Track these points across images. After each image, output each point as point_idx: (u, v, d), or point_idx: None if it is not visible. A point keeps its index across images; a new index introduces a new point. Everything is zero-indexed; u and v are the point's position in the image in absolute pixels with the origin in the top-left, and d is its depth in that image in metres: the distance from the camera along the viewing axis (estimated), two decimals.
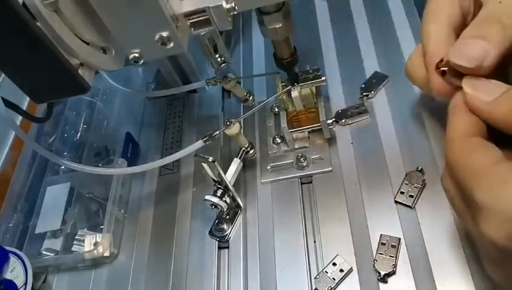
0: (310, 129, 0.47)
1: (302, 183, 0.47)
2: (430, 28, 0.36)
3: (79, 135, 0.60)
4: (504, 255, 0.28)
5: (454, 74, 0.33)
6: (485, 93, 0.31)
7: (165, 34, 0.33)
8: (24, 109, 0.46)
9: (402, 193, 0.42)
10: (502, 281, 0.31)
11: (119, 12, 0.32)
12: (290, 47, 0.42)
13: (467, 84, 0.32)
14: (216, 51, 0.45)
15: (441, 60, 0.34)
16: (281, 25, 0.38)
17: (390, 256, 0.39)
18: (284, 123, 0.46)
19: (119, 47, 0.38)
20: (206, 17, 0.33)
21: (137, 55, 0.34)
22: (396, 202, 0.42)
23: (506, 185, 0.27)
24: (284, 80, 0.46)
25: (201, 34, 0.36)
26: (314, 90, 0.46)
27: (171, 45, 0.33)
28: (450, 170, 0.31)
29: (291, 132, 0.47)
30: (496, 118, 0.30)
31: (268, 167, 0.48)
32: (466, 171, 0.29)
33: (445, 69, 0.34)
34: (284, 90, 0.45)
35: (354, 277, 0.40)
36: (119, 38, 0.34)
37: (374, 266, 0.39)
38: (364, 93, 0.50)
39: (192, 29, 0.35)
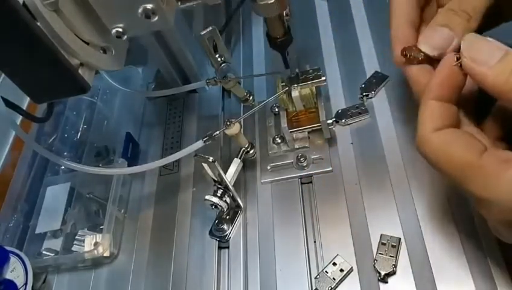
0: (310, 129, 0.47)
1: (302, 183, 0.47)
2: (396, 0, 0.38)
3: (79, 135, 0.60)
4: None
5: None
6: (483, 57, 0.29)
7: (149, 6, 0.31)
8: (24, 109, 0.46)
9: None
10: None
11: None
12: (284, 26, 0.41)
13: (466, 46, 0.30)
14: (216, 51, 0.45)
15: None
16: (273, 1, 0.37)
17: (390, 256, 0.39)
18: (284, 123, 0.46)
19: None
20: None
21: (120, 30, 0.33)
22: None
23: (499, 178, 0.27)
24: (284, 80, 0.46)
25: (188, 8, 0.34)
26: (314, 90, 0.46)
27: (156, 18, 0.32)
28: (430, 164, 0.31)
29: (291, 132, 0.47)
30: (494, 86, 0.29)
31: (268, 167, 0.48)
32: (451, 168, 0.29)
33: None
34: (284, 90, 0.45)
35: (354, 276, 0.40)
36: (101, 11, 0.32)
37: (374, 266, 0.39)
38: (364, 93, 0.50)
39: (179, 2, 0.34)
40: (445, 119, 0.31)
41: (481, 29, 0.36)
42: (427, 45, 0.36)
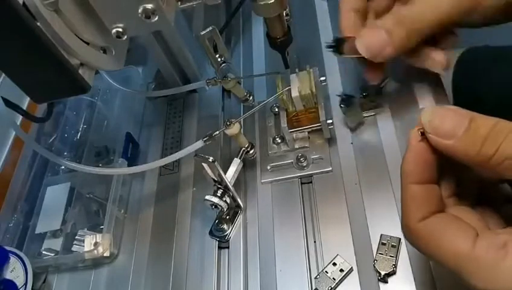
0: (310, 129, 0.47)
1: (302, 183, 0.47)
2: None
3: (79, 135, 0.60)
4: None
5: None
6: (447, 134, 0.28)
7: (149, 6, 0.31)
8: (24, 108, 0.46)
9: None
10: None
11: None
12: (284, 25, 0.41)
13: (428, 127, 0.29)
14: (216, 51, 0.45)
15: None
16: (273, 1, 0.37)
17: (390, 256, 0.39)
18: (284, 123, 0.46)
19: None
20: None
21: (120, 30, 0.33)
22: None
23: (498, 267, 0.25)
24: (284, 80, 0.46)
25: (188, 8, 0.34)
26: (314, 90, 0.46)
27: (156, 18, 0.32)
28: (421, 252, 0.29)
29: (291, 132, 0.47)
30: (467, 158, 0.27)
31: (268, 167, 0.48)
32: (444, 260, 0.27)
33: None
34: (284, 90, 0.45)
35: (354, 276, 0.40)
36: (101, 11, 0.32)
37: (374, 266, 0.39)
38: (364, 93, 0.50)
39: (179, 3, 0.33)
40: (430, 204, 0.29)
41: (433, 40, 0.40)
42: (362, 44, 0.39)
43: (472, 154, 0.27)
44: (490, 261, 0.26)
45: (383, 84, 0.49)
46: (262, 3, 0.37)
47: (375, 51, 0.39)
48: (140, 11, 0.31)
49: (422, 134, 0.29)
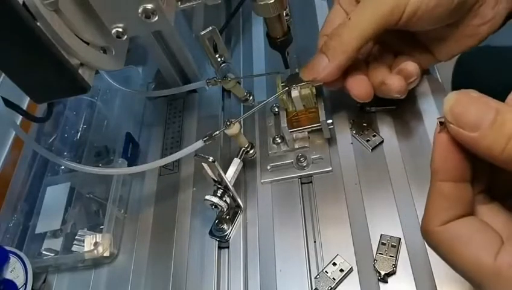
0: (310, 129, 0.47)
1: (302, 183, 0.47)
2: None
3: (79, 135, 0.60)
4: None
5: None
6: (470, 126, 0.25)
7: (149, 6, 0.31)
8: (24, 108, 0.46)
9: None
10: None
11: None
12: (283, 25, 0.41)
13: (449, 111, 0.26)
14: (216, 51, 0.45)
15: None
16: (273, 1, 0.37)
17: (390, 256, 0.39)
18: (284, 123, 0.46)
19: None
20: None
21: (120, 30, 0.33)
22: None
23: None
24: (284, 80, 0.46)
25: (188, 8, 0.34)
26: (314, 90, 0.46)
27: (156, 18, 0.32)
28: (440, 257, 0.28)
29: (291, 131, 0.47)
30: (491, 155, 0.25)
31: (268, 167, 0.48)
32: (464, 268, 0.26)
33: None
34: (284, 90, 0.45)
35: (354, 276, 0.40)
36: (101, 11, 0.32)
37: (374, 266, 0.39)
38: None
39: (179, 3, 0.34)
40: (458, 206, 0.27)
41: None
42: (304, 73, 0.43)
43: (496, 152, 0.24)
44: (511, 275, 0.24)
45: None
46: (262, 3, 0.37)
47: (316, 74, 0.42)
48: (140, 11, 0.32)
49: (442, 124, 0.26)
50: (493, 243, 0.25)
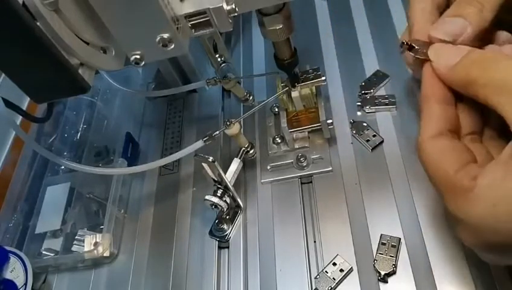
0: (310, 129, 0.47)
1: (302, 183, 0.47)
2: (416, 7, 0.38)
3: (79, 135, 0.60)
4: (484, 250, 0.30)
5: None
6: (446, 59, 0.31)
7: (166, 35, 0.33)
8: (24, 109, 0.46)
9: None
10: (491, 261, 0.34)
11: (119, 14, 0.32)
12: (291, 48, 0.42)
13: (432, 52, 0.32)
14: (216, 51, 0.45)
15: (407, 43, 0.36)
16: (281, 26, 0.38)
17: (390, 256, 0.39)
18: (284, 123, 0.46)
19: (119, 47, 0.38)
20: (206, 18, 0.33)
21: (138, 56, 0.34)
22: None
23: (467, 196, 0.27)
24: (284, 80, 0.46)
25: (202, 35, 0.36)
26: (314, 90, 0.46)
27: (172, 46, 0.33)
28: (425, 171, 0.31)
29: (291, 131, 0.47)
30: (455, 85, 0.30)
31: (268, 167, 0.48)
32: (435, 178, 0.29)
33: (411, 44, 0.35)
34: (284, 90, 0.45)
35: (354, 276, 0.40)
36: (120, 40, 0.34)
37: (374, 266, 0.39)
38: (363, 91, 0.50)
39: (193, 30, 0.35)
40: (444, 123, 0.30)
41: (500, 23, 0.36)
42: (440, 31, 0.35)
43: (460, 84, 0.30)
44: (461, 188, 0.27)
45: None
46: (270, 28, 0.38)
47: (456, 34, 0.35)
48: (157, 40, 0.33)
49: (404, 44, 0.34)
50: (461, 160, 0.29)
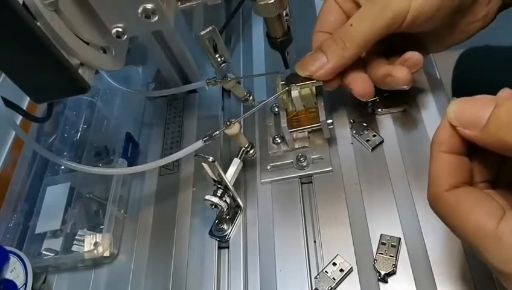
0: (310, 129, 0.47)
1: (302, 183, 0.47)
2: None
3: (79, 135, 0.60)
4: None
5: None
6: (470, 121, 0.28)
7: (149, 6, 0.31)
8: (24, 108, 0.46)
9: None
10: None
11: None
12: (283, 25, 0.41)
13: (451, 114, 0.29)
14: (216, 51, 0.45)
15: None
16: (273, 1, 0.37)
17: (390, 256, 0.39)
18: (284, 123, 0.46)
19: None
20: None
21: (120, 29, 0.33)
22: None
23: None
24: (284, 80, 0.46)
25: (188, 8, 0.34)
26: (314, 90, 0.46)
27: (156, 18, 0.32)
28: (444, 222, 0.30)
29: (291, 131, 0.47)
30: (492, 145, 0.28)
31: (268, 167, 0.48)
32: (466, 233, 0.28)
33: None
34: (284, 90, 0.45)
35: (354, 276, 0.40)
36: (101, 11, 0.32)
37: (374, 266, 0.39)
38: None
39: (179, 3, 0.34)
40: (461, 174, 0.29)
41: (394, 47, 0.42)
42: (300, 68, 0.42)
43: (496, 144, 0.27)
44: (509, 243, 0.26)
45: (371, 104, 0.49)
46: (262, 3, 0.37)
47: (312, 70, 0.41)
48: (140, 11, 0.32)
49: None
50: (495, 211, 0.27)
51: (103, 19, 0.33)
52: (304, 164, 0.47)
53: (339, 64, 0.41)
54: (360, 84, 0.43)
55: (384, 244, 0.40)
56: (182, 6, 0.34)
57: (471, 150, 0.30)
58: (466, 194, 0.28)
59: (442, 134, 0.30)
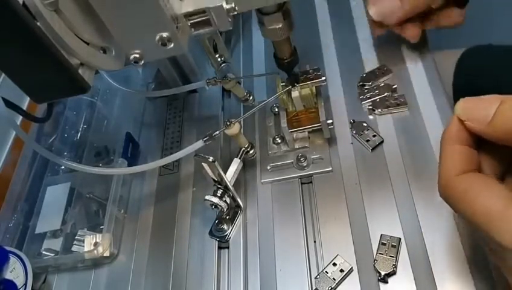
0: (310, 129, 0.47)
1: (302, 183, 0.47)
2: None
3: (79, 135, 0.60)
4: None
5: None
6: (478, 116, 0.30)
7: (165, 34, 0.33)
8: (24, 109, 0.46)
9: None
10: None
11: (119, 13, 0.32)
12: (290, 47, 0.42)
13: (459, 111, 0.31)
14: (216, 51, 0.45)
15: None
16: (281, 26, 0.38)
17: (390, 256, 0.39)
18: (284, 123, 0.46)
19: (119, 47, 0.38)
20: (206, 17, 0.34)
21: (137, 56, 0.34)
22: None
23: None
24: (284, 80, 0.46)
25: (202, 34, 0.36)
26: (314, 90, 0.46)
27: (172, 45, 0.33)
28: (453, 208, 0.30)
29: (291, 132, 0.47)
30: (498, 138, 0.29)
31: (268, 167, 0.48)
32: (476, 215, 0.28)
33: None
34: (284, 90, 0.45)
35: (354, 277, 0.40)
36: (119, 39, 0.34)
37: (374, 266, 0.39)
38: (361, 83, 0.50)
39: (193, 29, 0.35)
40: (469, 163, 0.30)
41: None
42: (374, 10, 0.45)
43: (502, 136, 0.29)
44: None
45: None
46: (270, 28, 0.38)
47: (386, 15, 0.45)
48: (157, 39, 0.33)
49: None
50: (504, 194, 0.28)
51: (122, 46, 0.34)
52: (304, 164, 0.47)
53: (412, 12, 0.45)
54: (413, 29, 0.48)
55: (384, 244, 0.40)
56: (195, 33, 0.35)
57: (480, 144, 0.31)
58: (475, 178, 0.29)
59: (452, 128, 0.31)
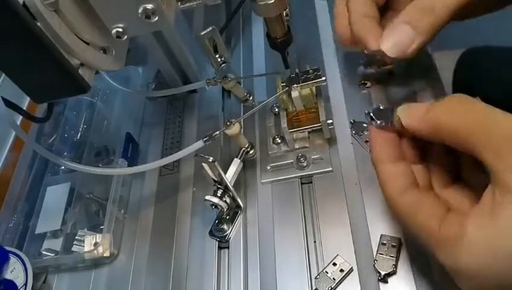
0: (310, 129, 0.47)
1: (302, 183, 0.47)
2: None
3: (79, 135, 0.60)
4: None
5: None
6: (415, 114, 0.32)
7: (149, 6, 0.32)
8: (24, 109, 0.46)
9: None
10: None
11: None
12: (283, 25, 0.41)
13: (400, 112, 0.33)
14: (216, 51, 0.45)
15: None
16: (273, 1, 0.37)
17: (390, 256, 0.39)
18: (284, 123, 0.46)
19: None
20: None
21: (120, 30, 0.33)
22: None
23: (457, 245, 0.28)
24: (284, 80, 0.46)
25: (188, 7, 0.34)
26: (314, 90, 0.46)
27: (156, 18, 0.32)
28: (401, 226, 0.34)
29: (291, 132, 0.47)
30: (428, 132, 0.31)
31: (268, 167, 0.48)
32: (418, 233, 0.30)
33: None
34: (284, 90, 0.45)
35: (354, 277, 0.40)
36: (101, 11, 0.33)
37: (374, 266, 0.39)
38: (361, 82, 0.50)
39: (179, 3, 0.34)
40: (405, 178, 0.32)
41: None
42: (388, 43, 0.36)
43: (433, 131, 0.30)
44: (451, 237, 0.28)
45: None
46: (262, 3, 0.37)
47: (403, 49, 0.36)
48: (140, 11, 0.32)
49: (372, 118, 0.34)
50: (438, 212, 0.30)
51: (103, 19, 0.33)
52: (304, 164, 0.47)
53: (429, 39, 0.36)
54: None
55: (384, 244, 0.40)
56: (182, 6, 0.34)
57: (426, 157, 0.34)
58: (413, 197, 0.31)
59: (375, 148, 0.33)
